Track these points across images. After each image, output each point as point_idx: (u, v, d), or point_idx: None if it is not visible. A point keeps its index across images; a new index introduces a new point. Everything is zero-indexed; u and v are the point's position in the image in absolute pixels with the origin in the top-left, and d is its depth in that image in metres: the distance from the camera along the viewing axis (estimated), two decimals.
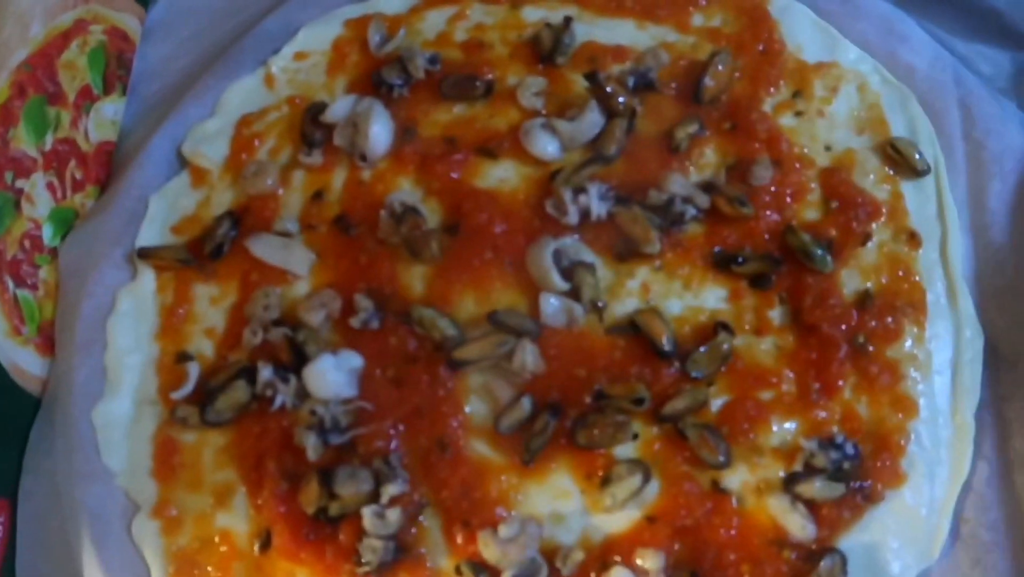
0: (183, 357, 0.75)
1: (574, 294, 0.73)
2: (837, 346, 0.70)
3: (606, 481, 0.68)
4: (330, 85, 0.83)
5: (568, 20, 0.81)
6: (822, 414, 0.69)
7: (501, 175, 0.78)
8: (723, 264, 0.74)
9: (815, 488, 0.66)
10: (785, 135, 0.77)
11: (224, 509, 0.70)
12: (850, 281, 0.73)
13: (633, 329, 0.72)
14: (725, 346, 0.70)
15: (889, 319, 0.71)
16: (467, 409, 0.71)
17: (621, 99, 0.77)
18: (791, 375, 0.70)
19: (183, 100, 0.83)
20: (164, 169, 0.81)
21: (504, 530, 0.66)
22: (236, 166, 0.80)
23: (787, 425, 0.69)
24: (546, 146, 0.77)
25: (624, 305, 0.73)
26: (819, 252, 0.72)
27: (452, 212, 0.77)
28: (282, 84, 0.84)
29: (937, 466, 0.68)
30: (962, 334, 0.72)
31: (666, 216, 0.74)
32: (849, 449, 0.67)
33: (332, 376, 0.70)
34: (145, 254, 0.77)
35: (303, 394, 0.71)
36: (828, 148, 0.78)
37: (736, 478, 0.68)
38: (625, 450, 0.69)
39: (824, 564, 0.65)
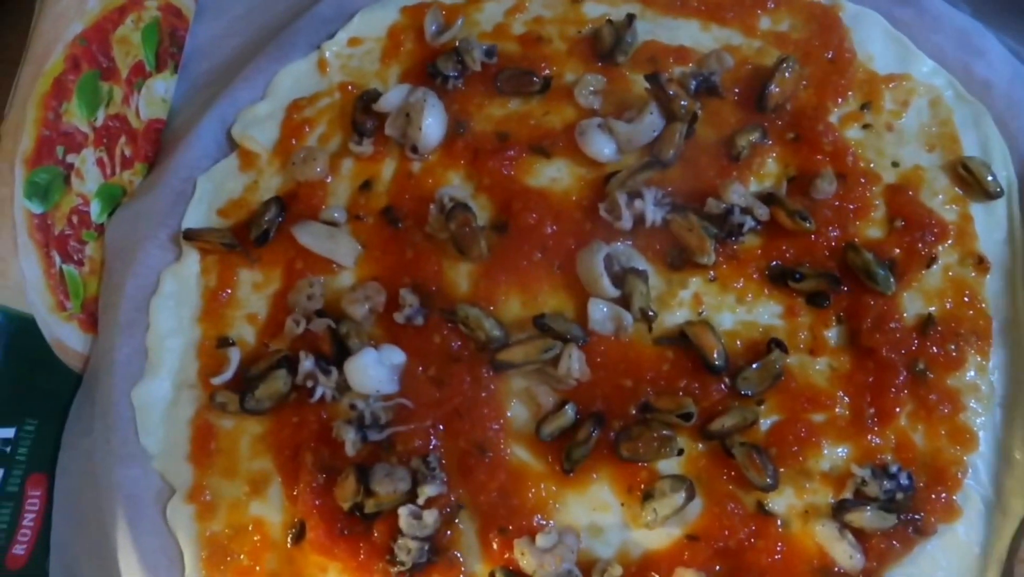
0: (224, 342, 0.74)
1: (623, 301, 0.71)
2: (895, 371, 0.67)
3: (648, 496, 0.66)
4: (383, 73, 0.82)
5: (631, 18, 0.79)
6: (876, 441, 0.67)
7: (553, 174, 0.76)
8: (779, 279, 0.71)
9: (865, 517, 0.64)
10: (851, 148, 0.75)
11: (259, 498, 0.70)
12: (912, 304, 0.70)
13: (683, 341, 0.70)
14: (778, 364, 0.68)
15: (952, 346, 0.69)
16: (508, 413, 0.70)
17: (683, 103, 0.74)
18: (845, 398, 0.68)
19: (234, 82, 0.82)
20: (212, 150, 0.81)
21: (541, 539, 0.65)
22: (285, 151, 0.79)
23: (838, 450, 0.67)
24: (602, 147, 0.75)
25: (674, 315, 0.72)
26: (882, 273, 0.69)
27: (501, 210, 0.75)
28: (335, 69, 0.82)
29: (994, 503, 0.66)
30: None
31: (723, 226, 0.72)
32: (904, 479, 0.64)
33: (374, 371, 0.69)
34: (191, 236, 0.76)
35: (343, 387, 0.71)
36: (895, 164, 0.75)
37: (782, 501, 0.66)
38: (668, 465, 0.67)
39: None
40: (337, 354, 0.71)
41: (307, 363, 0.70)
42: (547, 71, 0.79)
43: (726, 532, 0.65)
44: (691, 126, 0.75)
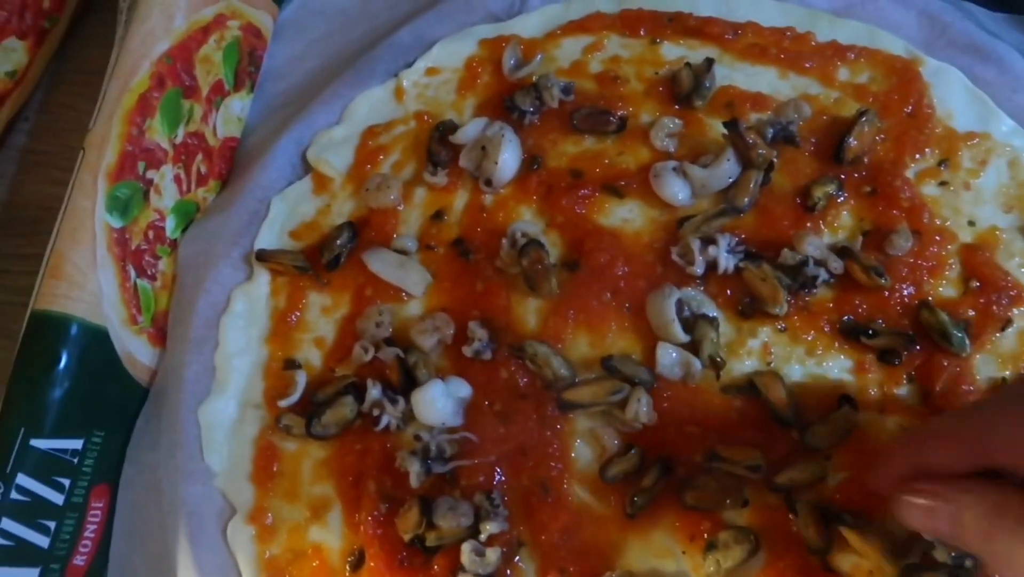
0: (290, 364, 0.75)
1: (692, 347, 0.71)
2: None
3: (711, 546, 0.66)
4: (458, 103, 0.82)
5: (710, 62, 0.79)
6: None
7: (625, 215, 0.77)
8: (851, 334, 0.71)
9: None
10: (927, 205, 0.74)
11: (319, 523, 0.70)
12: (985, 367, 0.70)
13: (751, 390, 0.70)
14: (847, 420, 0.68)
15: None
16: (572, 453, 0.70)
17: (760, 151, 0.74)
18: None
19: (311, 105, 0.83)
20: (287, 172, 0.81)
21: None
22: (359, 176, 0.80)
23: None
24: (677, 192, 0.75)
25: (743, 364, 0.71)
26: (958, 334, 0.69)
27: (573, 248, 0.76)
28: (411, 98, 0.83)
29: None
30: None
31: (796, 278, 0.72)
32: None
33: (441, 403, 0.70)
34: (263, 257, 0.77)
35: (408, 417, 0.71)
36: (972, 223, 0.74)
37: (848, 560, 0.65)
38: (733, 515, 0.67)
39: None
40: (404, 384, 0.71)
41: (375, 392, 0.71)
42: (623, 111, 0.79)
43: None
44: (767, 174, 0.75)
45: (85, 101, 0.81)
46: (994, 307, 0.71)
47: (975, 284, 0.72)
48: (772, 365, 0.71)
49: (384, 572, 0.67)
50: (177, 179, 0.79)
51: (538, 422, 0.70)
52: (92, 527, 0.71)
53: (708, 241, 0.73)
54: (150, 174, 0.76)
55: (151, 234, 0.77)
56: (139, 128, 0.75)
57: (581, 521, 0.68)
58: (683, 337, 0.70)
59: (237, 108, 0.85)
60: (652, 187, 0.76)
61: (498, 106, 0.81)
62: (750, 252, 0.73)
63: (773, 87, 0.80)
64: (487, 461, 0.69)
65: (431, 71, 0.83)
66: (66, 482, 0.69)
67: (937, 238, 0.73)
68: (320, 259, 0.77)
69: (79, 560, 0.70)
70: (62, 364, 0.68)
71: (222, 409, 0.74)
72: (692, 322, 0.71)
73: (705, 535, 0.66)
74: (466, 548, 0.65)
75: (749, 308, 0.72)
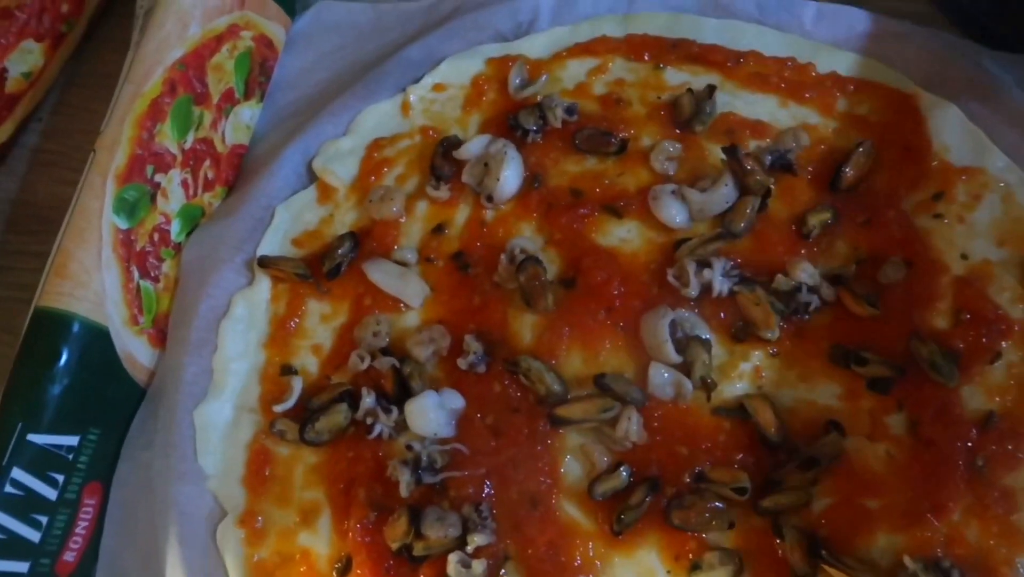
0: (287, 370, 0.76)
1: (685, 368, 0.72)
2: (955, 465, 0.67)
3: (695, 567, 0.66)
4: (463, 120, 0.84)
5: (712, 88, 0.80)
6: (927, 532, 0.67)
7: (623, 235, 0.78)
8: (842, 361, 0.72)
9: None
10: (921, 237, 0.75)
11: (308, 528, 0.70)
12: (972, 399, 0.70)
13: (741, 413, 0.70)
14: (835, 446, 0.68)
15: (1010, 445, 0.68)
16: (561, 468, 0.70)
17: (758, 177, 0.75)
18: (901, 487, 0.68)
19: (319, 115, 0.85)
20: (292, 181, 0.83)
21: None
22: (363, 188, 0.82)
23: (890, 538, 0.67)
24: (675, 214, 0.76)
25: (734, 387, 0.72)
26: (946, 366, 0.69)
27: (570, 265, 0.77)
28: (417, 113, 0.84)
29: None
30: None
31: (789, 303, 0.73)
32: (956, 575, 0.64)
33: (433, 414, 0.70)
34: (265, 263, 0.78)
35: (401, 426, 0.72)
36: (964, 256, 0.75)
37: None
38: (718, 537, 0.68)
39: None
40: (398, 393, 0.72)
41: (368, 400, 0.72)
42: (624, 133, 0.81)
43: None
44: (764, 201, 0.76)
45: (98, 103, 0.82)
46: (984, 339, 0.71)
47: (966, 316, 0.73)
48: (763, 389, 0.72)
49: None
50: (184, 184, 0.80)
51: (529, 436, 0.71)
52: (84, 523, 0.72)
53: (703, 264, 0.74)
54: (158, 178, 0.77)
55: (156, 236, 0.78)
56: (149, 132, 0.76)
57: (568, 537, 0.68)
58: (676, 358, 0.71)
59: (247, 116, 0.87)
60: (651, 209, 0.77)
61: (502, 124, 0.82)
62: (744, 276, 0.74)
63: (773, 115, 0.81)
64: (477, 473, 0.70)
65: (438, 87, 0.85)
66: (60, 478, 0.70)
67: (930, 270, 0.74)
68: (321, 267, 0.78)
69: (69, 556, 0.71)
70: (62, 361, 0.69)
71: (218, 412, 0.74)
72: (685, 343, 0.72)
73: (690, 555, 0.67)
74: (453, 559, 0.66)
75: (742, 332, 0.73)
